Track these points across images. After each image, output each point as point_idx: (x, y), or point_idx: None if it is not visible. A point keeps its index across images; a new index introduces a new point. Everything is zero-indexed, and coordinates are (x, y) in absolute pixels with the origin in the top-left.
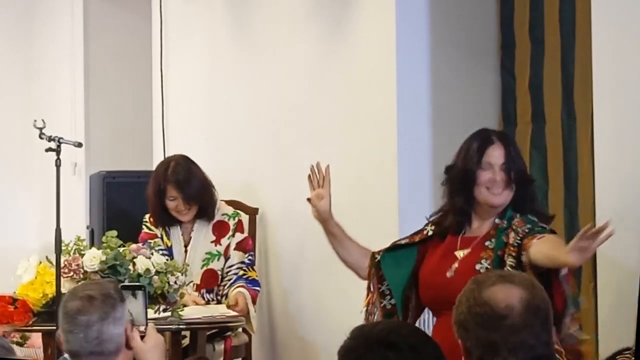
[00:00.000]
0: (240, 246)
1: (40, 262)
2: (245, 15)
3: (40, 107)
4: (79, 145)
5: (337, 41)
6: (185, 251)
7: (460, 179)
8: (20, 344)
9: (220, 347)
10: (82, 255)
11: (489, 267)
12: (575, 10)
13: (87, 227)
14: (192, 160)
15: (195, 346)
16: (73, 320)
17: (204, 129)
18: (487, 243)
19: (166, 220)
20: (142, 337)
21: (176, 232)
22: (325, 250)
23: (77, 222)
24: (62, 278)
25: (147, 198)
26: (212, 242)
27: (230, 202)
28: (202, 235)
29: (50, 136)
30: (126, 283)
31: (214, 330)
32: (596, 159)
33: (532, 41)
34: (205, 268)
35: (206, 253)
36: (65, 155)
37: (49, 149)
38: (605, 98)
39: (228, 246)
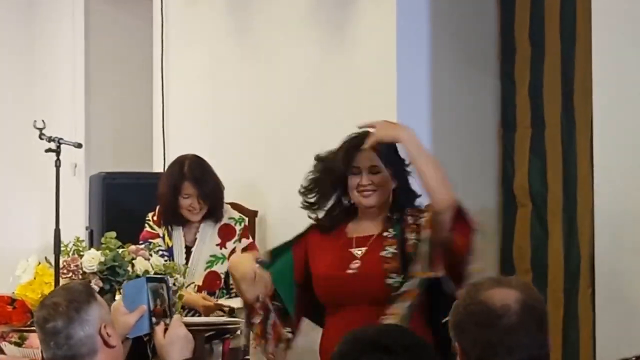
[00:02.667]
0: (245, 252)
1: (39, 263)
2: (247, 17)
3: (40, 108)
4: (79, 146)
5: (337, 45)
6: (187, 252)
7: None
8: (19, 344)
9: (218, 349)
10: (81, 256)
11: (395, 250)
12: (575, 16)
13: (87, 228)
14: (204, 160)
15: (194, 348)
16: (42, 329)
17: (204, 131)
18: (385, 234)
19: (173, 219)
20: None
21: (178, 233)
22: None
23: (76, 223)
24: (60, 279)
25: (159, 194)
26: (217, 244)
27: (230, 204)
28: (208, 236)
29: (50, 137)
30: (151, 275)
31: (212, 332)
32: (595, 164)
33: (532, 46)
34: (208, 270)
35: (210, 255)
36: (65, 156)
37: (49, 150)
38: (605, 103)
39: (233, 250)
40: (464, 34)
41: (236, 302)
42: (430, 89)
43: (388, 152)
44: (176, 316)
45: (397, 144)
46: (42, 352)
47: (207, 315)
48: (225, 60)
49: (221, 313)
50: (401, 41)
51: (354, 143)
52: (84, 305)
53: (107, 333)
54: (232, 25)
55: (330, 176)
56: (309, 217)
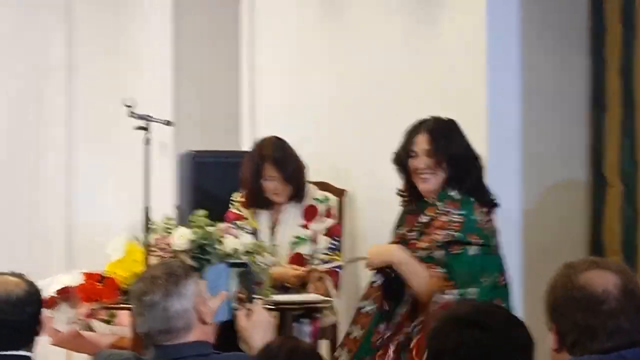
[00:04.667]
0: (329, 232)
1: (129, 241)
2: None
3: (130, 86)
4: (169, 123)
5: (427, 20)
6: (272, 234)
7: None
8: (108, 322)
9: (307, 328)
10: (171, 234)
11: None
12: None
13: (176, 207)
14: (285, 141)
15: (283, 327)
16: (139, 301)
17: (292, 110)
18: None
19: (259, 202)
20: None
21: (264, 215)
22: None
23: (165, 201)
24: (150, 257)
25: (242, 179)
26: (301, 225)
27: (318, 184)
28: (292, 217)
29: (140, 114)
30: (233, 261)
31: (300, 312)
32: None
33: (623, 25)
34: (293, 252)
35: (294, 236)
36: (153, 134)
37: (139, 127)
38: None
39: (317, 231)
40: (555, 12)
41: (328, 266)
42: (521, 67)
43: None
44: (257, 301)
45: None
46: (134, 327)
47: (299, 284)
48: (314, 38)
49: (318, 284)
50: (491, 18)
51: (411, 130)
52: (182, 279)
53: (202, 309)
54: (317, 4)
55: (397, 162)
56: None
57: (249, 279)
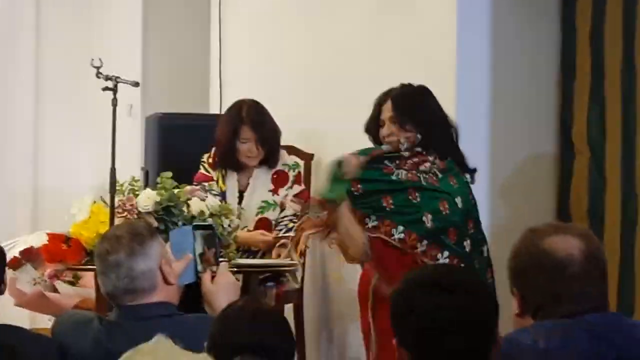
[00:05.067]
0: (296, 198)
1: (95, 202)
2: None
3: (97, 47)
4: (136, 84)
5: None
6: (240, 197)
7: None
8: (72, 284)
9: (272, 292)
10: (137, 196)
11: None
12: None
13: (142, 169)
14: (262, 105)
15: (248, 290)
16: (104, 261)
17: (261, 73)
18: None
19: (230, 164)
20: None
21: (233, 178)
22: None
23: (131, 163)
24: (115, 218)
25: (217, 139)
26: (269, 190)
27: (285, 148)
28: (261, 182)
29: (107, 75)
30: (199, 223)
31: (266, 275)
32: None
33: None
34: (260, 216)
35: (262, 201)
36: (121, 96)
37: (106, 88)
38: None
39: (285, 197)
40: None
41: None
42: (491, 33)
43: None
44: (223, 264)
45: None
46: (98, 287)
47: (266, 249)
48: (283, 3)
49: (281, 250)
50: None
51: (378, 99)
52: (147, 239)
53: (167, 269)
54: None
55: (368, 132)
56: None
57: (214, 242)
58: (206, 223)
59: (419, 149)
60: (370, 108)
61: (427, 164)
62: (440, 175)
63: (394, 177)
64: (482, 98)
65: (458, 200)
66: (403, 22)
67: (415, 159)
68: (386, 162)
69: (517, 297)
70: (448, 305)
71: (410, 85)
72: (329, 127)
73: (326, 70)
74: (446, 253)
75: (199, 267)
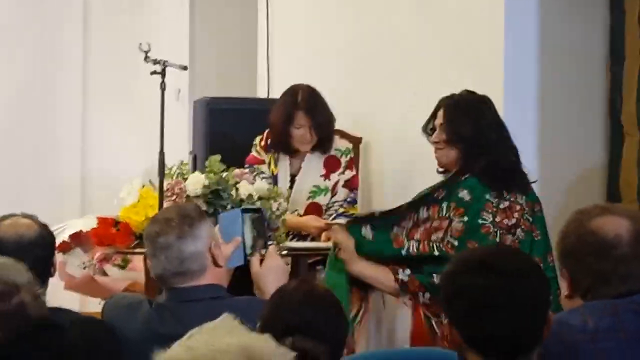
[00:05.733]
0: (348, 184)
1: (143, 186)
2: None
3: (145, 32)
4: (185, 68)
5: None
6: (292, 181)
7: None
8: (122, 267)
9: (321, 275)
10: (185, 180)
11: None
12: None
13: (190, 153)
14: (317, 91)
15: (297, 273)
16: (153, 243)
17: (309, 57)
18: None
19: (283, 148)
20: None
21: (285, 161)
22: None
23: (180, 147)
24: (164, 202)
25: (271, 123)
26: (321, 175)
27: (334, 131)
28: (313, 167)
29: (156, 59)
30: (247, 207)
31: (316, 259)
32: None
33: None
34: (310, 200)
35: (314, 186)
36: (168, 81)
37: (154, 72)
38: None
39: (337, 183)
40: None
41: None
42: (539, 18)
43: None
44: (272, 247)
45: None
46: (148, 269)
47: (318, 235)
48: None
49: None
50: None
51: (437, 104)
52: (196, 221)
53: (216, 252)
54: None
55: (425, 132)
56: None
57: (263, 225)
58: (255, 206)
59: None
60: (415, 93)
61: (441, 233)
62: (456, 243)
63: (404, 253)
64: (530, 83)
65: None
66: (451, 7)
67: (427, 225)
68: (395, 230)
69: (566, 278)
70: (498, 286)
71: (467, 95)
72: (377, 110)
73: (374, 55)
74: None
75: (248, 251)
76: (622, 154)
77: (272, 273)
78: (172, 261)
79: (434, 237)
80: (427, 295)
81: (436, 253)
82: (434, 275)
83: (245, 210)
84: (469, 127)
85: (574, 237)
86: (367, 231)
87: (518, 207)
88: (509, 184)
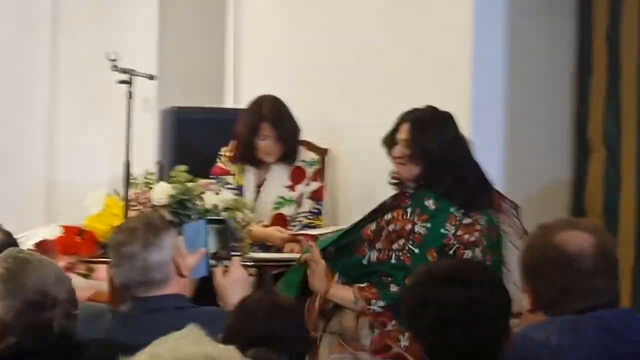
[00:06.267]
0: (313, 195)
1: (109, 195)
2: None
3: (113, 40)
4: (152, 77)
5: None
6: (257, 192)
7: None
8: (86, 276)
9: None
10: (151, 189)
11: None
12: None
13: (157, 162)
14: (283, 102)
15: (262, 284)
16: (118, 252)
17: (276, 67)
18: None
19: (248, 159)
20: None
21: (250, 172)
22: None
23: (146, 157)
24: (130, 211)
25: (236, 134)
26: (287, 187)
27: (301, 142)
28: (279, 178)
29: (123, 68)
30: (211, 217)
31: (281, 270)
32: None
33: None
34: (276, 211)
35: (279, 197)
36: (136, 89)
37: (122, 81)
38: None
39: (302, 194)
40: None
41: (314, 232)
42: (507, 31)
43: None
44: (235, 258)
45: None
46: (111, 280)
47: (282, 246)
48: None
49: (294, 245)
50: None
51: (400, 117)
52: (161, 231)
53: (180, 262)
54: None
55: (385, 146)
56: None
57: (227, 236)
58: (219, 217)
59: (409, 191)
60: (385, 104)
61: (402, 240)
62: (416, 250)
63: (364, 262)
64: (497, 95)
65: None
66: (419, 19)
67: (387, 231)
68: (360, 239)
69: (529, 292)
70: (461, 298)
71: (431, 110)
72: (344, 122)
73: (342, 65)
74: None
75: (212, 261)
76: (588, 168)
77: (235, 284)
78: (137, 270)
79: (395, 246)
80: (381, 303)
81: (393, 261)
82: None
83: (209, 221)
84: (434, 143)
85: (538, 251)
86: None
87: (478, 227)
88: (474, 201)
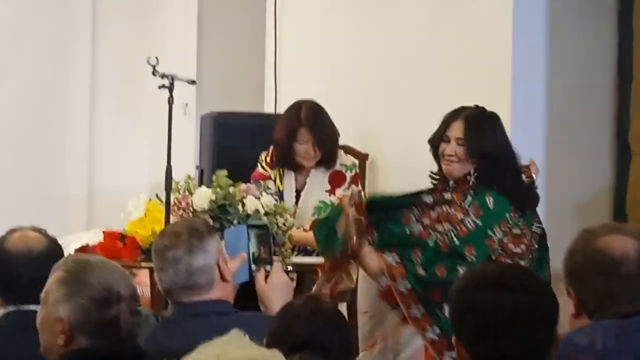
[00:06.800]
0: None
1: (150, 200)
2: None
3: (153, 45)
4: (193, 82)
5: None
6: (297, 197)
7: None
8: None
9: (326, 291)
10: (192, 194)
11: None
12: None
13: (197, 168)
14: (321, 106)
15: (302, 289)
16: (162, 257)
17: (316, 73)
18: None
19: (287, 164)
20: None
21: (290, 177)
22: None
23: (186, 162)
24: (171, 216)
25: (275, 139)
26: (326, 191)
27: (341, 147)
28: (319, 182)
29: (164, 74)
30: (252, 223)
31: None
32: None
33: None
34: (316, 216)
35: (319, 201)
36: (176, 95)
37: (162, 86)
38: None
39: (342, 198)
40: None
41: None
42: (547, 35)
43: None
44: (277, 263)
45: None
46: (154, 285)
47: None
48: (339, 3)
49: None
50: None
51: (447, 116)
52: (205, 235)
53: (224, 267)
54: None
55: (431, 145)
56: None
57: (268, 241)
58: (260, 222)
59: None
60: (423, 110)
61: (448, 224)
62: (456, 242)
63: (407, 231)
64: (538, 101)
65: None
66: (458, 24)
67: (440, 210)
68: (412, 207)
69: (573, 297)
70: (508, 303)
71: (483, 110)
72: (384, 127)
73: (381, 71)
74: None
75: (253, 266)
76: (629, 173)
77: (277, 289)
78: (181, 275)
79: (439, 227)
80: (437, 330)
81: (431, 244)
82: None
83: (250, 226)
84: (491, 140)
85: (581, 256)
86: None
87: (525, 241)
88: (529, 203)
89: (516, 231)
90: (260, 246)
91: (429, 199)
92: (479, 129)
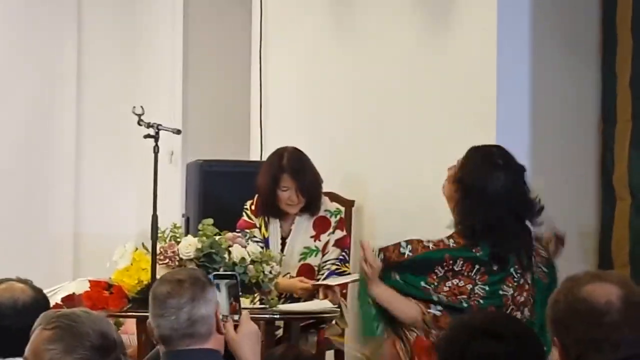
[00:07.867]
0: (338, 243)
1: (136, 249)
2: (346, 4)
3: (139, 95)
4: (178, 132)
5: (438, 33)
6: (282, 244)
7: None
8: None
9: (313, 338)
10: (178, 243)
11: None
12: None
13: (183, 216)
14: (303, 153)
15: (289, 337)
16: (163, 304)
17: (302, 120)
18: None
19: (271, 211)
20: (236, 327)
21: (275, 225)
22: None
23: (173, 210)
24: (157, 265)
25: (258, 186)
26: (311, 237)
27: (326, 194)
28: (303, 229)
29: (149, 123)
30: (220, 272)
31: (308, 322)
32: None
33: (633, 38)
34: (302, 262)
35: (304, 247)
36: (162, 143)
37: (148, 136)
38: None
39: (327, 243)
40: (566, 25)
41: (333, 281)
42: (531, 80)
43: None
44: (245, 312)
45: None
46: (139, 333)
47: (305, 296)
48: (323, 50)
49: (328, 292)
50: (502, 32)
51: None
52: (207, 285)
53: (219, 317)
54: (331, 11)
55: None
56: None
57: (237, 291)
58: (229, 272)
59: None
60: (407, 157)
61: (464, 296)
62: (482, 302)
63: (434, 298)
64: (522, 144)
65: None
66: (441, 65)
67: (456, 280)
68: (422, 283)
69: (557, 346)
70: (499, 351)
71: (485, 149)
72: (370, 173)
73: (367, 117)
74: None
75: (222, 316)
76: (614, 217)
77: (247, 339)
78: (182, 323)
79: (460, 297)
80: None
81: (464, 305)
82: None
83: (218, 277)
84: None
85: (564, 304)
86: (396, 276)
87: (527, 287)
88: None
89: (521, 281)
90: (230, 296)
91: (438, 272)
92: (473, 174)
